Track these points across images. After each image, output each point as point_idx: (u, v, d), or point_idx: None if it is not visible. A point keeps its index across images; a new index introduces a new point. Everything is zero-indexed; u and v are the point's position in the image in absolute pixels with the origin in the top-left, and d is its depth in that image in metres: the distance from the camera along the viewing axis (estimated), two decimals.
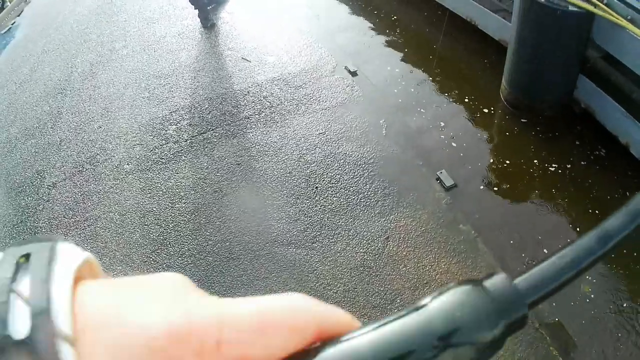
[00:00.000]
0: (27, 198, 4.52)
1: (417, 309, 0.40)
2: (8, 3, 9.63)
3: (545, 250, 3.59)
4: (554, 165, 4.22)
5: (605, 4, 4.11)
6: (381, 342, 0.36)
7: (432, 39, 5.96)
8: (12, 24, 8.58)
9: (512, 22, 4.66)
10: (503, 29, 5.06)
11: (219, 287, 3.51)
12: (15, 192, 4.65)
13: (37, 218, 4.27)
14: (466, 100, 5.00)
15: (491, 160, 4.42)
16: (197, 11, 6.56)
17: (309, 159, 4.36)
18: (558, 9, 4.12)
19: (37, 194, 4.51)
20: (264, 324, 0.36)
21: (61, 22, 7.99)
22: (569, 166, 4.21)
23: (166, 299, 0.36)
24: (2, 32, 8.35)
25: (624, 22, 3.86)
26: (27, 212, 4.37)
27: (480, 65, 5.44)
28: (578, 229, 3.73)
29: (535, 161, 4.31)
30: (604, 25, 4.06)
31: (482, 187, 4.16)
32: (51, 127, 5.34)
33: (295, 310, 0.38)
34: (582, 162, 4.20)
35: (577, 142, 4.37)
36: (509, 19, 4.84)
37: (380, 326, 0.37)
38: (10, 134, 5.44)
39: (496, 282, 0.41)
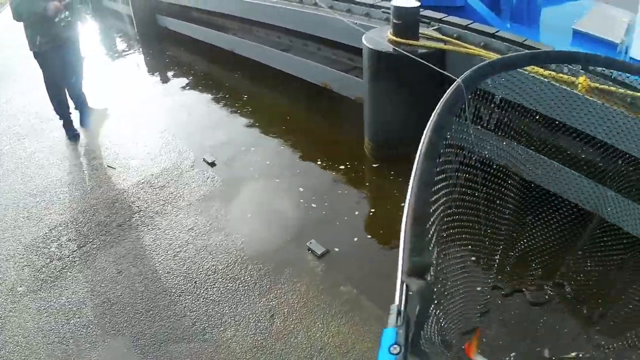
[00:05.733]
0: None
1: None
2: None
3: None
4: None
5: (456, 38, 4.19)
6: None
7: (287, 110, 6.11)
8: None
9: (364, 78, 4.66)
10: (357, 86, 5.05)
11: None
12: None
13: None
14: (328, 161, 5.16)
15: (357, 213, 4.56)
16: (62, 122, 6.51)
17: (183, 256, 4.37)
18: (408, 54, 4.09)
19: None
20: None
21: None
22: None
23: None
24: None
25: (476, 50, 3.91)
26: None
27: (339, 126, 5.61)
28: None
29: (403, 204, 4.47)
30: (457, 58, 4.07)
31: (355, 239, 4.29)
32: None
33: None
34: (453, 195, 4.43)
35: None
36: (361, 76, 4.81)
37: None
38: None
39: None
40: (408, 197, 1.45)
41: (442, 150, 1.66)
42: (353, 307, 3.73)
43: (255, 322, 3.75)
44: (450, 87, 1.76)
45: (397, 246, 1.18)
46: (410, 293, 1.13)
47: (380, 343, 0.98)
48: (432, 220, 1.57)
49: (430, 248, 1.45)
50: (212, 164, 5.43)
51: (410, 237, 1.31)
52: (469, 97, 1.79)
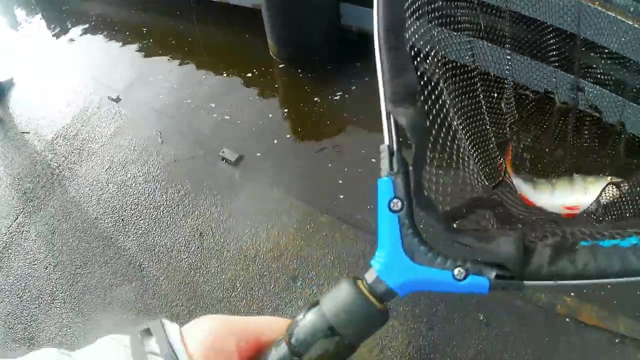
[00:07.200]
0: None
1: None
2: None
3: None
4: (338, 94, 4.20)
5: None
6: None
7: (188, 33, 5.80)
8: None
9: None
10: None
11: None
12: None
13: None
14: (234, 72, 4.93)
15: (271, 116, 4.36)
16: None
17: (106, 197, 4.17)
18: None
19: None
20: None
21: None
22: (353, 88, 4.21)
23: None
24: None
25: None
26: None
27: (241, 36, 5.31)
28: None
29: (316, 99, 4.28)
30: None
31: (275, 141, 4.12)
32: None
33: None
34: (366, 78, 4.20)
35: (358, 64, 4.37)
36: None
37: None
38: None
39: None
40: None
41: None
42: (280, 208, 3.61)
43: (185, 244, 3.62)
44: None
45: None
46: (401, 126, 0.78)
47: (377, 199, 0.70)
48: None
49: (414, 60, 0.97)
50: (117, 100, 5.10)
51: (388, 51, 0.88)
52: None
